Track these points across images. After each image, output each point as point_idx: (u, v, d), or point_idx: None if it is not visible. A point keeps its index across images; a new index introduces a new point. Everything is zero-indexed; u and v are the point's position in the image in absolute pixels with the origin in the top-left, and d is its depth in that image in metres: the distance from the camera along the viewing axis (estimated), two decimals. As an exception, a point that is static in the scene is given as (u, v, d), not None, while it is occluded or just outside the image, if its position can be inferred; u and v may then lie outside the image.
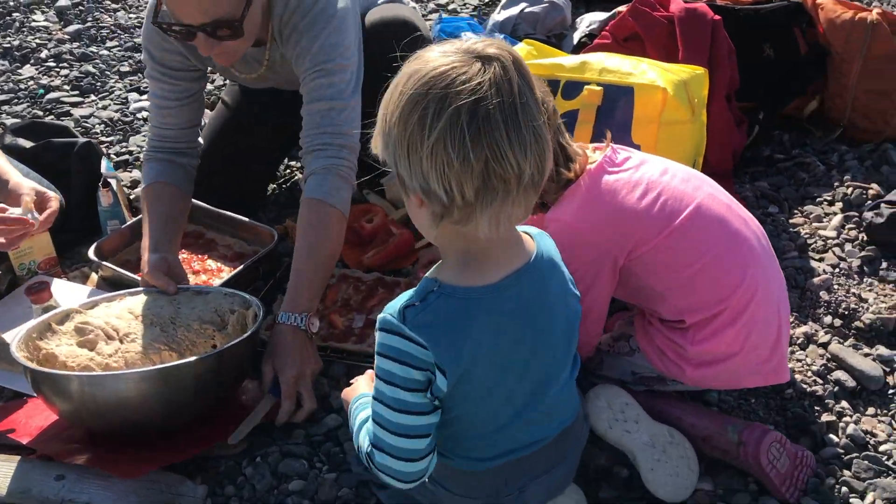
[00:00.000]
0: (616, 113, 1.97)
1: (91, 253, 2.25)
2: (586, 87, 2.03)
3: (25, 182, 2.16)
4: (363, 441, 1.32)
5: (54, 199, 2.16)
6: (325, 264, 1.91)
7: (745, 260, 1.55)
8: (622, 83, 2.00)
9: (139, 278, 2.14)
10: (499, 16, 3.02)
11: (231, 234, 2.41)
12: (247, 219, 2.39)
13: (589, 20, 2.90)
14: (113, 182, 2.35)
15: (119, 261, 2.30)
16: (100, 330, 1.78)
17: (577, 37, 2.87)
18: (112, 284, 2.23)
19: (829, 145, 2.70)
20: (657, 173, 1.55)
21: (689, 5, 2.48)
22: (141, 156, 2.89)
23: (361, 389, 1.48)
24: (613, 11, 2.87)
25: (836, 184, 2.49)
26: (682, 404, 1.67)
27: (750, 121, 2.60)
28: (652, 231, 1.52)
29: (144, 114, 3.22)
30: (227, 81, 2.65)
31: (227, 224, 2.42)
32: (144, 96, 3.35)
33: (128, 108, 3.27)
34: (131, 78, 3.52)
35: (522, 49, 2.27)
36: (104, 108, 3.29)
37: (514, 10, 2.96)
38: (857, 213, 2.34)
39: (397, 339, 1.20)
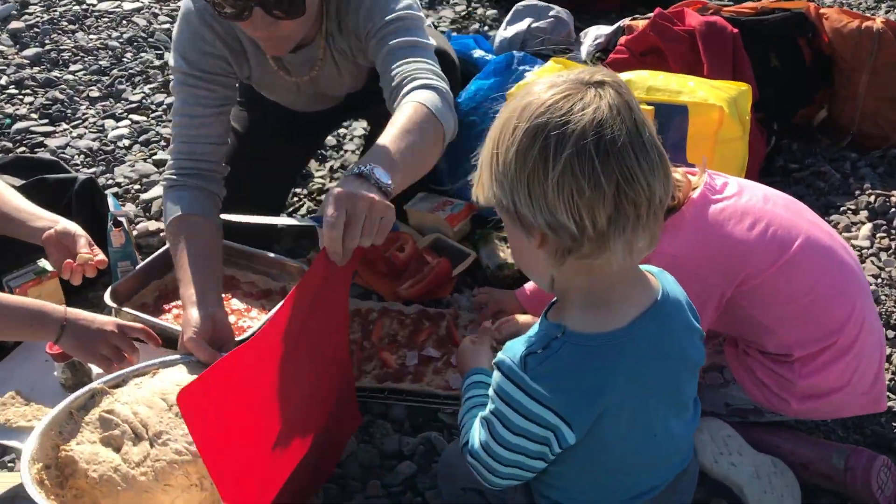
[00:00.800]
0: (669, 132, 1.94)
1: (107, 298, 2.09)
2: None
3: (77, 227, 1.97)
4: (471, 433, 1.26)
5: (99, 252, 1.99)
6: (414, 157, 1.54)
7: (853, 290, 1.52)
8: (674, 102, 1.96)
9: (166, 323, 2.01)
10: (506, 32, 2.96)
11: (253, 270, 2.27)
12: (270, 253, 2.27)
13: (594, 34, 2.87)
14: (124, 220, 2.19)
15: (135, 304, 2.15)
16: (126, 425, 1.53)
17: (584, 51, 2.83)
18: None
19: (838, 153, 2.73)
20: (760, 201, 1.51)
21: (707, 18, 2.48)
22: (132, 188, 2.75)
23: (480, 361, 1.40)
24: (617, 25, 2.85)
25: (856, 192, 2.52)
26: (779, 432, 1.64)
27: (767, 131, 2.61)
28: (763, 263, 1.47)
29: (126, 142, 3.05)
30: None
31: (247, 259, 2.27)
32: (121, 123, 3.18)
33: (106, 137, 3.08)
34: (103, 104, 3.32)
35: (553, 68, 2.22)
36: (79, 136, 3.09)
37: (522, 26, 2.90)
38: (884, 221, 2.37)
39: (516, 390, 1.15)
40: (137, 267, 2.20)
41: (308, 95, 2.19)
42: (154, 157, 2.94)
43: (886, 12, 3.78)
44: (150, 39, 3.79)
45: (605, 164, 1.03)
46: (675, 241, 1.45)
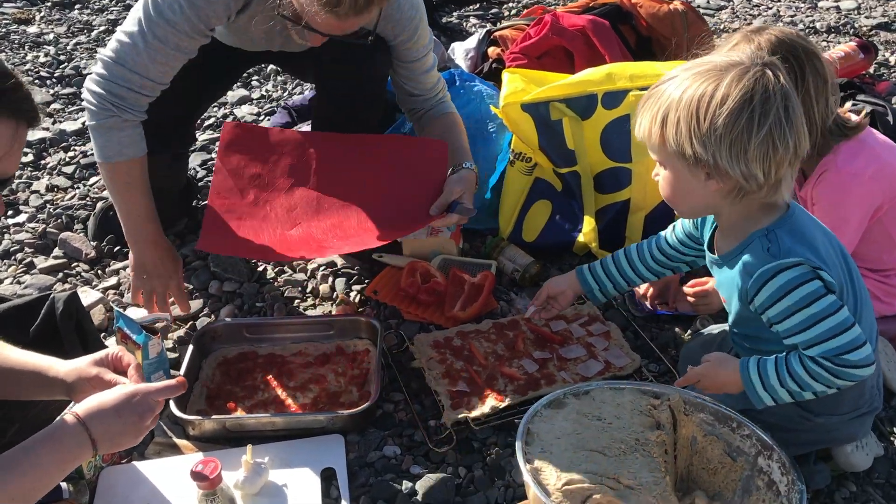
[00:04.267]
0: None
1: (175, 410, 1.81)
2: (630, 93, 2.24)
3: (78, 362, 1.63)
4: (804, 370, 1.47)
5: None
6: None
7: None
8: (661, 83, 2.25)
9: (246, 415, 1.82)
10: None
11: (292, 340, 2.10)
12: (303, 315, 2.12)
13: (463, 49, 3.05)
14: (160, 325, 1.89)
15: (192, 413, 1.88)
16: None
17: (464, 65, 3.00)
18: (211, 440, 1.83)
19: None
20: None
21: (588, 17, 2.81)
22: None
23: (732, 361, 1.59)
24: (478, 39, 3.07)
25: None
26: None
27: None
28: None
29: (53, 277, 2.44)
30: None
31: (278, 330, 2.11)
32: (43, 257, 2.54)
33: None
34: None
35: (514, 80, 2.38)
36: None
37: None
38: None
39: (787, 273, 1.43)
40: (181, 373, 1.92)
41: (284, 37, 2.11)
42: (30, 272, 2.47)
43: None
44: None
45: (790, 128, 1.38)
46: (857, 162, 1.83)
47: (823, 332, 1.43)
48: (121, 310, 1.95)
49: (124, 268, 2.46)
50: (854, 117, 1.89)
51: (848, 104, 1.87)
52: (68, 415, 1.43)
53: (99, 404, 1.44)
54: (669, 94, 1.44)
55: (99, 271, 2.47)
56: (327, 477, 1.75)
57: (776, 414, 1.61)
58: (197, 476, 1.59)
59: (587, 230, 2.34)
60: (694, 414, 1.68)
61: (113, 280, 2.42)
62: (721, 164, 1.40)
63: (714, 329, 2.00)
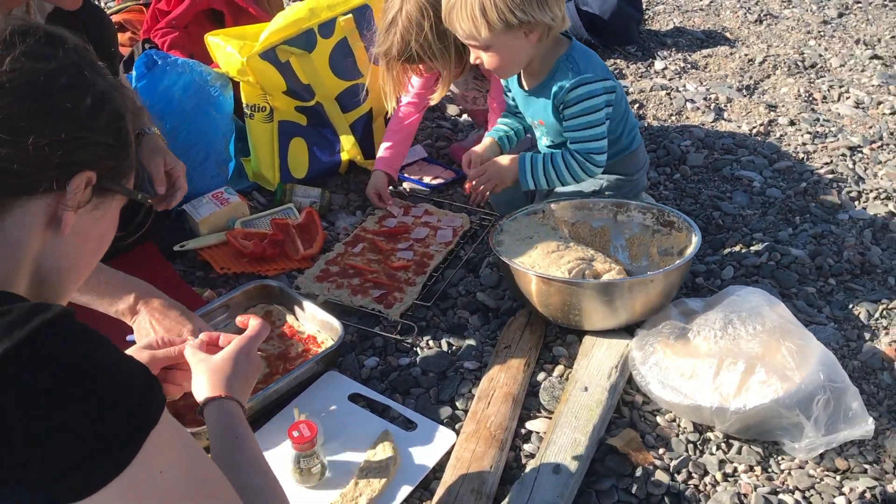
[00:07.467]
0: (371, 25, 2.57)
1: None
2: (338, 20, 2.54)
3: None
4: (563, 163, 2.10)
5: None
6: None
7: None
8: (357, 5, 2.59)
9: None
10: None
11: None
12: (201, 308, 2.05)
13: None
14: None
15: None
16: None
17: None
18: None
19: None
20: None
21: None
22: None
23: (508, 162, 2.17)
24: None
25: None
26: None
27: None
28: None
29: None
30: None
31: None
32: None
33: None
34: None
35: (227, 40, 2.48)
36: None
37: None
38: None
39: (585, 87, 2.02)
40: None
41: None
42: None
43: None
44: None
45: None
46: None
47: (588, 137, 2.06)
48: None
49: None
50: None
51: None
52: (217, 401, 1.36)
53: (225, 377, 1.41)
54: None
55: None
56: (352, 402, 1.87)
57: (612, 187, 2.25)
58: (299, 440, 1.61)
59: (348, 147, 2.63)
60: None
61: None
62: (538, 17, 1.91)
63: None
